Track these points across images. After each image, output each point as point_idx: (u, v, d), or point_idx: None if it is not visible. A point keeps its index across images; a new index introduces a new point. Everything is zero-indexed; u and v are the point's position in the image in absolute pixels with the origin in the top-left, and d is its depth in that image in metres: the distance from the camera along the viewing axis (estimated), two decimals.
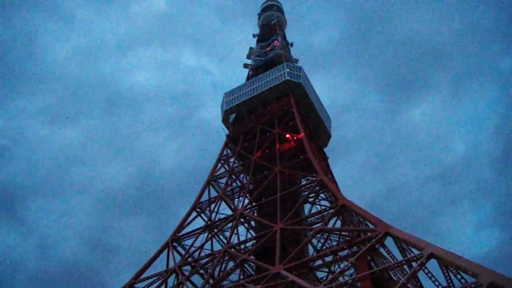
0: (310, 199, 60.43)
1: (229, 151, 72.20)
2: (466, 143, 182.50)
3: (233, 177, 68.09)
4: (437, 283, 38.63)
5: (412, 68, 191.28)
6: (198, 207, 63.07)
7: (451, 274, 36.04)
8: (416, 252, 38.65)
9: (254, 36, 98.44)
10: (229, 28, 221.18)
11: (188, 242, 58.75)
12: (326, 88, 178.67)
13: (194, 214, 62.38)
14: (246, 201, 62.73)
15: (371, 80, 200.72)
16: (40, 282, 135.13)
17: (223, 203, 62.81)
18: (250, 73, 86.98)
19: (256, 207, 63.12)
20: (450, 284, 36.36)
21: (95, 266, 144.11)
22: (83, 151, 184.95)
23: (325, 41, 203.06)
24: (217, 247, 57.34)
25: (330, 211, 52.84)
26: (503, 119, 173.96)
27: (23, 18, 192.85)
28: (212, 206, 62.55)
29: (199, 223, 61.36)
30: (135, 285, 53.62)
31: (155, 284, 52.24)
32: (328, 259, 50.85)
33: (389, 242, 43.12)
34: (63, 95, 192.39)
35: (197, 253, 56.50)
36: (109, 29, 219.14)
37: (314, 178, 58.79)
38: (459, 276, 35.10)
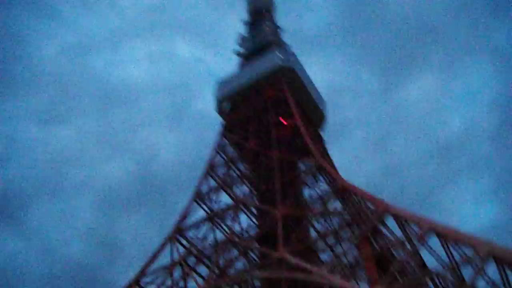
0: (309, 183, 60.86)
1: (225, 140, 72.40)
2: (463, 119, 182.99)
3: (231, 165, 68.38)
4: (438, 258, 39.14)
5: (406, 46, 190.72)
6: (199, 198, 63.31)
7: (451, 248, 36.57)
8: (416, 228, 39.11)
9: (243, 22, 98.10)
10: (221, 15, 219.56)
11: (191, 233, 59.12)
12: (320, 71, 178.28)
13: (195, 205, 62.66)
14: (246, 188, 63.14)
15: (365, 60, 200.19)
16: (47, 285, 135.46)
17: (223, 192, 63.24)
18: (242, 60, 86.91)
19: (256, 194, 63.52)
20: (451, 258, 36.85)
21: (101, 265, 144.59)
22: (79, 150, 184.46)
23: (317, 23, 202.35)
24: (220, 236, 57.88)
25: (330, 193, 53.30)
26: (499, 94, 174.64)
27: (7, 17, 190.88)
28: (213, 196, 62.94)
29: (200, 214, 61.83)
30: (141, 280, 54.06)
31: (161, 278, 52.65)
32: (331, 241, 51.45)
33: (389, 220, 43.63)
34: (55, 95, 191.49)
35: (200, 244, 57.01)
36: (98, 23, 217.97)
37: (312, 162, 59.12)
38: (459, 250, 35.59)
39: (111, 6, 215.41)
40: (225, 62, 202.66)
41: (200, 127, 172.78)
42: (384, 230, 44.37)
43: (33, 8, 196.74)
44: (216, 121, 77.27)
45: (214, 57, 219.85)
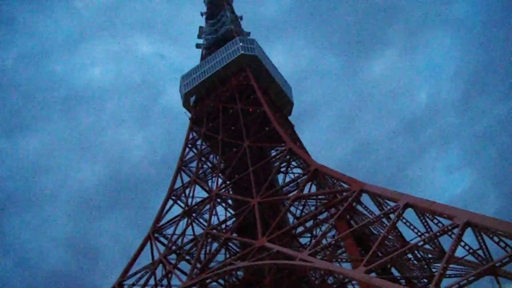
0: (283, 169, 61.03)
1: (195, 134, 71.96)
2: (428, 92, 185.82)
3: (203, 159, 68.09)
4: (416, 230, 39.73)
5: (366, 25, 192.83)
6: (173, 194, 62.99)
7: (427, 220, 37.10)
8: (392, 204, 39.42)
9: (202, 14, 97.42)
10: (178, 9, 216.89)
11: (170, 231, 58.84)
12: (284, 56, 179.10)
13: (171, 202, 62.31)
14: (220, 181, 63.00)
15: (328, 42, 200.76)
16: None
17: (197, 186, 62.94)
18: (204, 52, 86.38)
19: (230, 185, 63.33)
20: (428, 230, 37.42)
21: (83, 272, 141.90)
22: (48, 157, 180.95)
23: (276, 9, 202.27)
24: (198, 231, 57.64)
25: (304, 177, 53.36)
26: (460, 64, 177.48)
27: None
28: (187, 191, 62.56)
29: (177, 210, 61.49)
30: (124, 283, 53.56)
31: (144, 278, 52.23)
32: (309, 224, 51.71)
33: (365, 198, 44.00)
34: (18, 104, 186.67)
35: (180, 240, 56.66)
36: (54, 27, 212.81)
37: (283, 148, 59.20)
38: (435, 221, 36.12)
39: (65, 8, 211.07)
40: (187, 55, 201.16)
41: (169, 123, 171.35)
42: (361, 209, 44.75)
43: None
44: (184, 116, 76.84)
45: (176, 51, 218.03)
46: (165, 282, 51.48)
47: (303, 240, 56.34)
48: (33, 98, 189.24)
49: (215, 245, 54.61)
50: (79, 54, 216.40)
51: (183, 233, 57.11)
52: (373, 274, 34.86)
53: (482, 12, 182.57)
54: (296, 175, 57.74)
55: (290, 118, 77.30)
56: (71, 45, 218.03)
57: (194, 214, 59.38)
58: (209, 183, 64.02)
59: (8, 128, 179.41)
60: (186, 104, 77.25)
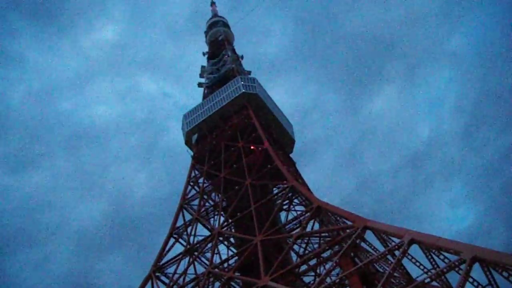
0: (285, 206, 60.63)
1: (197, 172, 71.79)
2: (429, 126, 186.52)
3: (205, 197, 67.73)
4: (422, 267, 39.06)
5: (366, 61, 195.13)
6: (175, 232, 62.41)
7: (434, 256, 36.51)
8: (396, 240, 38.92)
9: (204, 54, 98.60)
10: (182, 48, 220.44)
11: (171, 269, 58.00)
12: (285, 95, 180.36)
13: (172, 240, 61.69)
14: (222, 219, 62.38)
15: (328, 79, 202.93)
16: None
17: (199, 224, 62.39)
18: (206, 91, 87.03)
19: (233, 223, 62.79)
20: (435, 266, 36.78)
21: None
22: (51, 194, 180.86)
23: (277, 48, 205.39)
24: (200, 269, 56.82)
25: (306, 215, 52.96)
26: (461, 97, 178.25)
27: None
28: (189, 229, 61.98)
29: (179, 248, 60.76)
30: None
31: None
32: (313, 262, 50.88)
33: (369, 235, 43.44)
34: (23, 141, 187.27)
35: (181, 279, 55.75)
36: (62, 66, 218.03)
37: (285, 185, 58.93)
38: (442, 256, 35.56)
39: (73, 47, 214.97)
40: (190, 94, 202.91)
41: (171, 161, 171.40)
42: (365, 246, 44.15)
43: (1, 56, 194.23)
44: (187, 154, 76.80)
45: (179, 89, 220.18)
46: None
47: (307, 279, 55.29)
48: (38, 135, 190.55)
49: (217, 284, 53.68)
50: (85, 93, 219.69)
51: (184, 272, 56.26)
52: None
53: (480, 44, 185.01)
54: (298, 212, 57.29)
55: (292, 155, 77.32)
56: (77, 83, 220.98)
57: (196, 253, 58.62)
58: (211, 221, 63.47)
59: (12, 165, 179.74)
60: (188, 142, 77.38)
